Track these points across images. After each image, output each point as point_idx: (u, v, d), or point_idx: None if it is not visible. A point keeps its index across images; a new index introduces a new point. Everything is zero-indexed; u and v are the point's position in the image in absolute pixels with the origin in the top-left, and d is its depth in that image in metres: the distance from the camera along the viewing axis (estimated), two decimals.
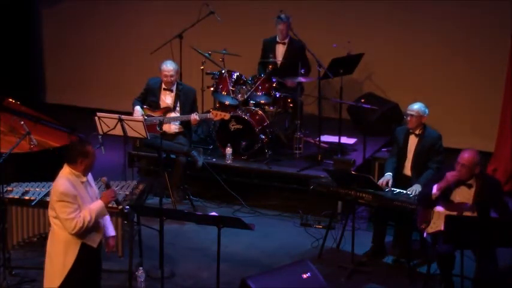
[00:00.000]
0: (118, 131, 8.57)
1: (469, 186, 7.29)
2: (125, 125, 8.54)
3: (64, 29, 13.15)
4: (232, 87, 10.12)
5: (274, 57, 10.35)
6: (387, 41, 11.32)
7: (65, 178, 6.06)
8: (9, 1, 12.66)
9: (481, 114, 10.90)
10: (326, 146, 10.14)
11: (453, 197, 7.35)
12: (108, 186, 6.36)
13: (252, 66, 10.70)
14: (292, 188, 9.55)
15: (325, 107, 10.76)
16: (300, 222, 9.14)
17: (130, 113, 9.30)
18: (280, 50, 10.43)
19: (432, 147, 8.24)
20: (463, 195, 7.31)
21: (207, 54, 10.48)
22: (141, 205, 7.56)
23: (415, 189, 7.98)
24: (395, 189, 8.07)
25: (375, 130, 10.25)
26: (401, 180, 8.28)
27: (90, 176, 6.28)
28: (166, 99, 9.49)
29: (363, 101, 9.97)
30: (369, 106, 9.69)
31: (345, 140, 10.19)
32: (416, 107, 8.26)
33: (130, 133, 8.60)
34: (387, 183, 8.18)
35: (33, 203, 7.17)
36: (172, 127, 9.48)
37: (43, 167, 7.79)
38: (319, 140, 9.90)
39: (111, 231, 6.49)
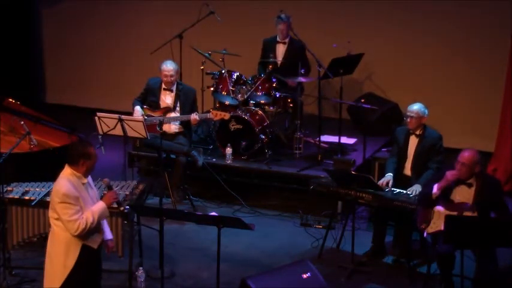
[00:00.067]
0: (118, 131, 8.57)
1: (469, 186, 7.29)
2: (125, 125, 8.54)
3: (64, 29, 13.16)
4: (232, 87, 10.12)
5: (275, 57, 10.36)
6: (387, 41, 11.32)
7: (66, 179, 6.05)
8: (9, 1, 12.66)
9: (481, 114, 10.90)
10: (326, 146, 10.14)
11: (453, 196, 7.35)
12: (109, 188, 6.35)
13: (252, 66, 10.70)
14: (292, 188, 9.55)
15: (325, 107, 10.76)
16: (300, 222, 9.14)
17: (131, 113, 9.30)
18: (281, 50, 10.43)
19: (433, 147, 8.24)
20: (463, 194, 7.31)
21: (207, 54, 10.48)
22: (141, 205, 7.56)
23: (415, 189, 7.98)
24: (395, 189, 8.07)
25: (375, 130, 10.25)
26: (401, 181, 8.28)
27: (89, 177, 6.27)
28: (166, 99, 9.49)
29: (363, 101, 9.97)
30: (369, 106, 9.69)
31: (345, 140, 10.19)
32: (416, 108, 8.25)
33: (130, 133, 8.60)
34: (388, 183, 8.18)
35: (33, 203, 7.17)
36: (172, 127, 9.48)
37: (43, 167, 7.80)
38: (319, 140, 9.90)
39: (108, 234, 6.48)
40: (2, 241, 7.42)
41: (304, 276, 6.77)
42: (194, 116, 9.23)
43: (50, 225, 6.24)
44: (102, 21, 12.91)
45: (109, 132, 8.61)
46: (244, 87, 10.11)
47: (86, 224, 6.02)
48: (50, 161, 7.84)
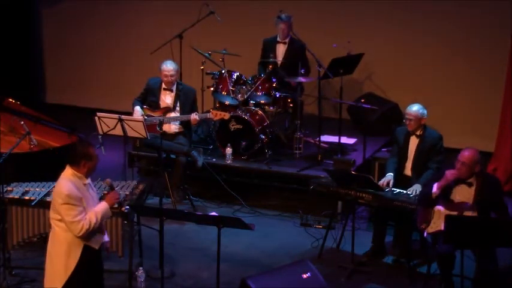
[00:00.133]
0: (118, 131, 8.57)
1: (469, 185, 7.29)
2: (125, 125, 8.54)
3: (64, 29, 13.15)
4: (232, 87, 10.12)
5: (275, 56, 10.35)
6: (387, 41, 11.32)
7: (68, 180, 6.03)
8: (9, 1, 12.66)
9: (481, 114, 10.90)
10: (326, 146, 10.13)
11: (453, 195, 7.35)
12: (112, 188, 6.35)
13: (252, 66, 10.70)
14: (292, 188, 9.55)
15: (325, 107, 10.75)
16: (300, 222, 9.14)
17: (130, 113, 9.30)
18: (281, 50, 10.43)
19: (433, 147, 8.24)
20: (463, 194, 7.31)
21: (207, 54, 10.48)
22: (141, 205, 7.56)
23: (415, 189, 7.98)
24: (395, 189, 8.07)
25: (375, 130, 10.25)
26: (401, 181, 8.28)
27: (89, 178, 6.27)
28: (166, 99, 9.49)
29: (363, 101, 9.97)
30: (369, 106, 9.69)
31: (345, 140, 10.19)
32: (415, 109, 8.24)
33: (130, 133, 8.60)
34: (388, 183, 8.18)
35: (33, 203, 7.17)
36: (172, 127, 9.48)
37: (43, 167, 7.81)
38: (319, 140, 9.90)
39: (105, 236, 6.47)
40: (2, 241, 7.42)
41: (304, 276, 6.77)
42: (194, 116, 9.23)
43: (50, 226, 6.24)
44: (102, 21, 12.90)
45: (109, 132, 8.61)
46: (244, 87, 10.11)
47: (90, 224, 6.01)
48: (50, 161, 7.85)
